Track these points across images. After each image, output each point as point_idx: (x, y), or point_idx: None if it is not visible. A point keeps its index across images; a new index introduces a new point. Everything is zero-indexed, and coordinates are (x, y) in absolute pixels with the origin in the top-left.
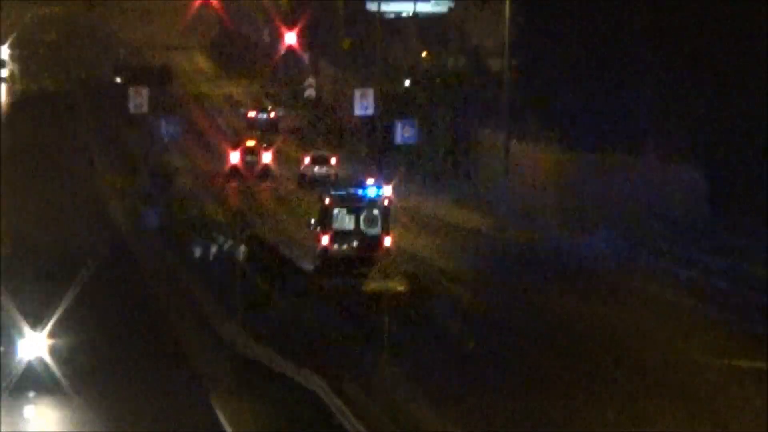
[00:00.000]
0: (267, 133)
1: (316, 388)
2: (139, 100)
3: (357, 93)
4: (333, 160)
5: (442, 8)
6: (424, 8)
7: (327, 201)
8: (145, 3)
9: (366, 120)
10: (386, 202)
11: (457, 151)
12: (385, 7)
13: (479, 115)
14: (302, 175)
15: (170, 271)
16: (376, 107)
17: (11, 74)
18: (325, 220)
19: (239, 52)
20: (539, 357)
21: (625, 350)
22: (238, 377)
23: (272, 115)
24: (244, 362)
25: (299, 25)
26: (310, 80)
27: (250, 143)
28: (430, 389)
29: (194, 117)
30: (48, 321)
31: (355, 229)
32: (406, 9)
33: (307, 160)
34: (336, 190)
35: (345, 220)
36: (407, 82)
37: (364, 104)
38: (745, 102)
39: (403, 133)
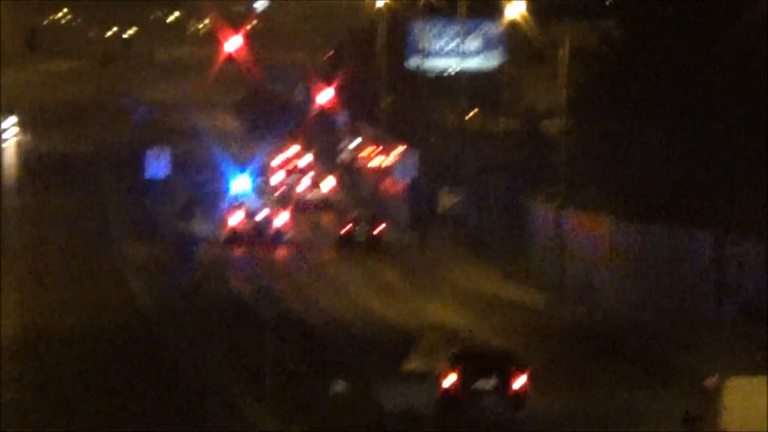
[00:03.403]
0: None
1: None
2: (159, 162)
3: (397, 156)
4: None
5: (490, 64)
6: (471, 64)
7: None
8: (164, 59)
9: (407, 185)
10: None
11: (506, 220)
12: (428, 64)
13: (532, 182)
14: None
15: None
16: (419, 171)
17: (21, 134)
18: None
19: (268, 111)
20: None
21: None
22: None
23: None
24: None
25: (335, 84)
26: (346, 142)
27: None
28: None
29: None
30: None
31: None
32: (451, 65)
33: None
34: None
35: None
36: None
37: (405, 168)
38: None
39: (447, 200)
